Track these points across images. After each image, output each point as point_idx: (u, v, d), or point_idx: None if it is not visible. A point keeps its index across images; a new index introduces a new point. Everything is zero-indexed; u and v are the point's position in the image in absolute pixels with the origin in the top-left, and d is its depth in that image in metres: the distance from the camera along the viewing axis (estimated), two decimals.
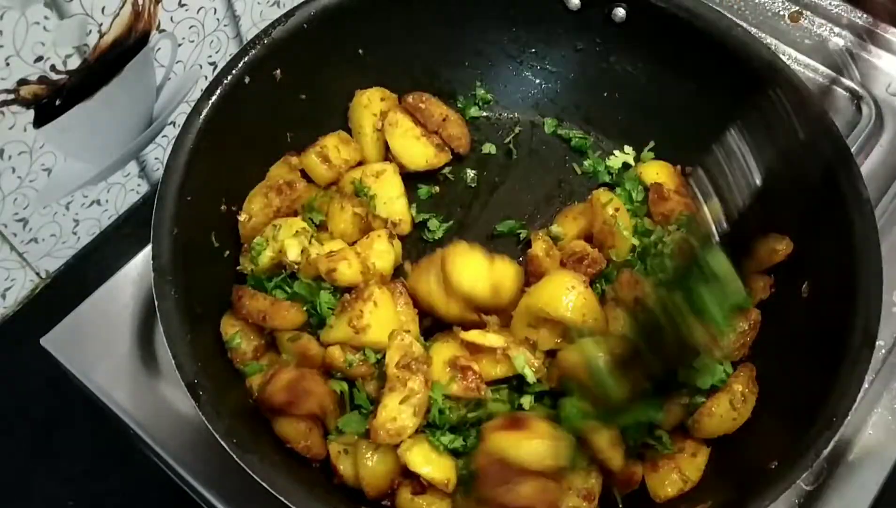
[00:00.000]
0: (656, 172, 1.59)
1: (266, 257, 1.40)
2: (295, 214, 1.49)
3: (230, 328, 1.37)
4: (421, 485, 1.25)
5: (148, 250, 1.32)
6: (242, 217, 1.44)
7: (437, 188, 1.63)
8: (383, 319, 1.33)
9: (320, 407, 1.30)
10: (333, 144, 1.55)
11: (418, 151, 1.58)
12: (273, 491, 1.11)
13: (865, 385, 1.19)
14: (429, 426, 1.28)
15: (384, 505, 1.29)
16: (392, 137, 1.57)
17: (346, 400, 1.33)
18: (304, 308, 1.37)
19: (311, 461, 1.30)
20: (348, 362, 1.32)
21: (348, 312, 1.32)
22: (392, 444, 1.24)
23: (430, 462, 1.24)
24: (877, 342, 1.20)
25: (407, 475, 1.26)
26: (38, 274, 1.63)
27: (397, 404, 1.24)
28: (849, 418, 1.16)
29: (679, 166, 1.60)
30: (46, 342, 1.48)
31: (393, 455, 1.25)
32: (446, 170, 1.64)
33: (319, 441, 1.30)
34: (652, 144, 1.64)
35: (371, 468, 1.25)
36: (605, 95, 1.66)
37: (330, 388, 1.31)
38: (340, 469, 1.28)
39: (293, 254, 1.38)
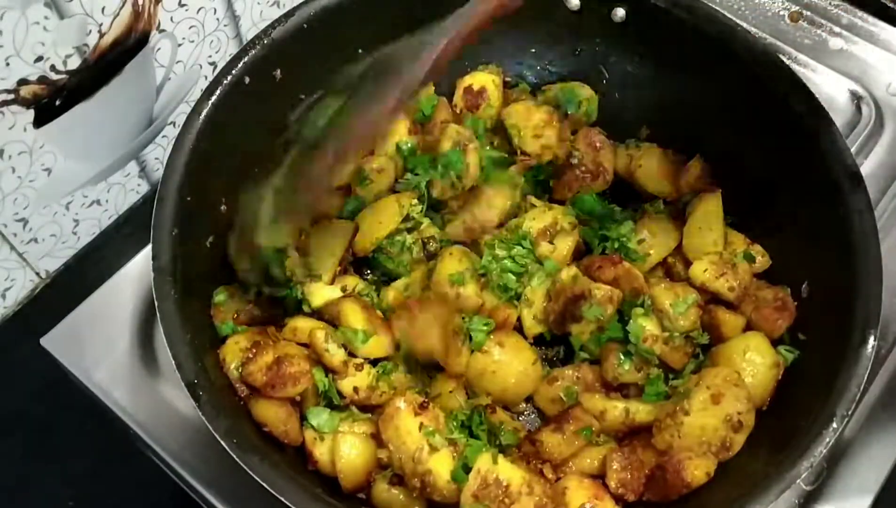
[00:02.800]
0: None
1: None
2: None
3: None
4: (398, 476, 1.25)
5: (148, 250, 1.32)
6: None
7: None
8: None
9: (301, 393, 1.29)
10: None
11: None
12: (273, 491, 1.11)
13: (865, 386, 1.19)
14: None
15: (360, 498, 1.29)
16: None
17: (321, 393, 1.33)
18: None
19: (287, 446, 1.29)
20: (328, 350, 1.31)
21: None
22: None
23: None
24: (877, 342, 1.20)
25: (384, 467, 1.27)
26: (38, 274, 1.63)
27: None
28: (849, 418, 1.16)
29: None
30: (46, 342, 1.48)
31: (370, 449, 1.25)
32: None
33: (297, 427, 1.30)
34: None
35: (348, 461, 1.25)
36: (605, 95, 1.66)
37: (312, 374, 1.31)
38: (316, 455, 1.28)
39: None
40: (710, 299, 1.40)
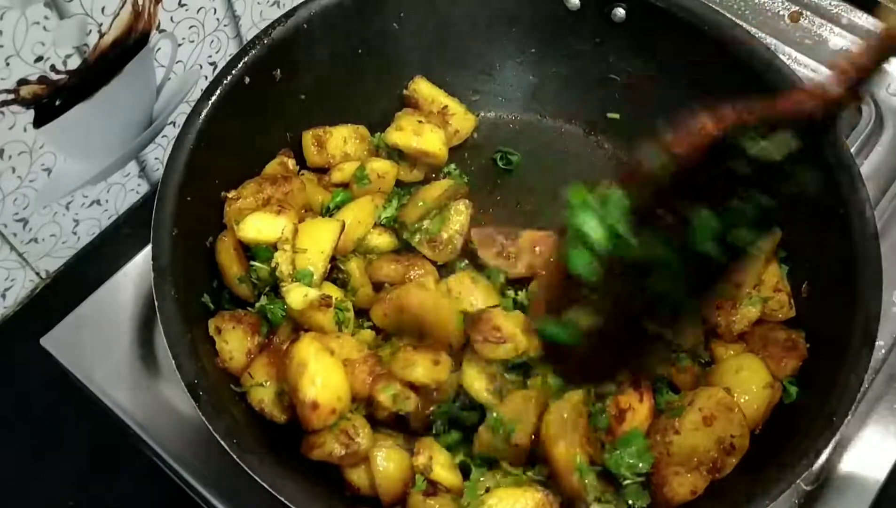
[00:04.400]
0: None
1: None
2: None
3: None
4: (433, 488, 1.24)
5: (148, 250, 1.32)
6: (231, 194, 1.40)
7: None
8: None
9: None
10: (342, 135, 1.56)
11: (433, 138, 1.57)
12: (273, 491, 1.11)
13: (865, 385, 1.19)
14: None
15: (364, 501, 1.28)
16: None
17: None
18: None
19: (287, 445, 1.27)
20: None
21: None
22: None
23: (442, 465, 1.25)
24: (877, 342, 1.20)
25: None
26: (38, 274, 1.63)
27: None
28: (849, 418, 1.16)
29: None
30: (46, 342, 1.48)
31: (405, 458, 1.25)
32: (449, 167, 1.64)
33: None
34: None
35: (386, 473, 1.24)
36: (605, 94, 1.66)
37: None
38: (354, 480, 1.26)
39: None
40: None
